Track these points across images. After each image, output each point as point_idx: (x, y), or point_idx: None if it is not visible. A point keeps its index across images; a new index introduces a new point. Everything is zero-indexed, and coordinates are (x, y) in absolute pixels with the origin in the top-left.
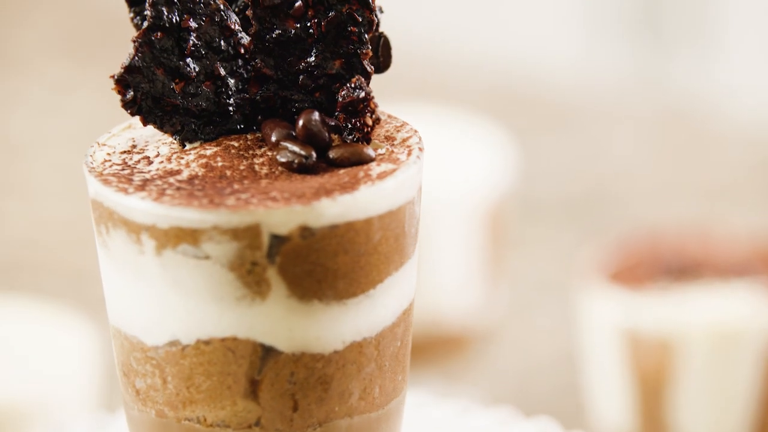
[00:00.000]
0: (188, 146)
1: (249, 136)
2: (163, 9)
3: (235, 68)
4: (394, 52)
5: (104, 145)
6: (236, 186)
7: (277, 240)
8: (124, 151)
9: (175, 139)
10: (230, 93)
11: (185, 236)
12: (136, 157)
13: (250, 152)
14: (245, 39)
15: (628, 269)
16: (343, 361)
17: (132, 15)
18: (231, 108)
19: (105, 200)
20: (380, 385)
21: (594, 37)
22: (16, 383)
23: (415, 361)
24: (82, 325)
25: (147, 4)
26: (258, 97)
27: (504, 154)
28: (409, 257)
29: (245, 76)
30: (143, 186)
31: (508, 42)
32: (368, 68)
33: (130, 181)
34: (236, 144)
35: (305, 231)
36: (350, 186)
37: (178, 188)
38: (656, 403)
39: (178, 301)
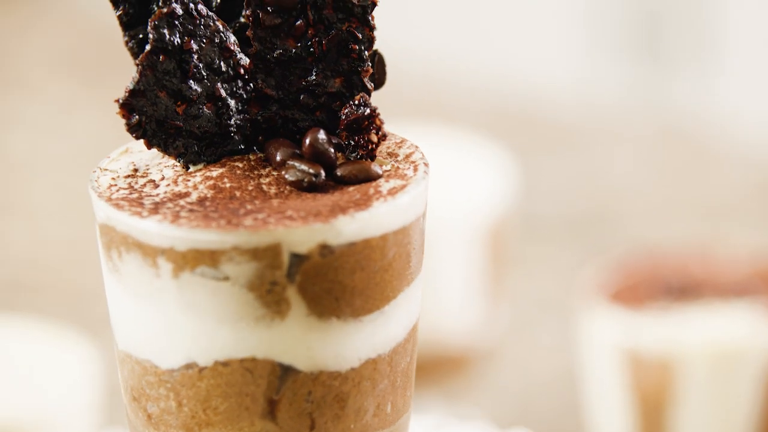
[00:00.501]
0: (192, 168)
1: (251, 157)
2: (165, 31)
3: (235, 89)
4: (396, 72)
5: (106, 170)
6: (249, 206)
7: (297, 259)
8: (128, 176)
9: (178, 162)
10: (231, 114)
11: (204, 258)
12: (141, 181)
13: (255, 172)
14: (244, 60)
15: (629, 289)
16: (359, 378)
17: (126, 39)
18: (232, 129)
19: (118, 224)
20: (392, 401)
21: (595, 57)
22: (17, 403)
23: (416, 381)
24: (83, 344)
25: (149, 27)
26: (259, 117)
27: (505, 173)
28: (418, 273)
29: (245, 96)
30: (156, 209)
31: (509, 61)
32: (368, 85)
33: (141, 204)
34: (240, 165)
35: (324, 249)
36: (364, 203)
37: (192, 210)
38: (657, 423)
39: (196, 324)
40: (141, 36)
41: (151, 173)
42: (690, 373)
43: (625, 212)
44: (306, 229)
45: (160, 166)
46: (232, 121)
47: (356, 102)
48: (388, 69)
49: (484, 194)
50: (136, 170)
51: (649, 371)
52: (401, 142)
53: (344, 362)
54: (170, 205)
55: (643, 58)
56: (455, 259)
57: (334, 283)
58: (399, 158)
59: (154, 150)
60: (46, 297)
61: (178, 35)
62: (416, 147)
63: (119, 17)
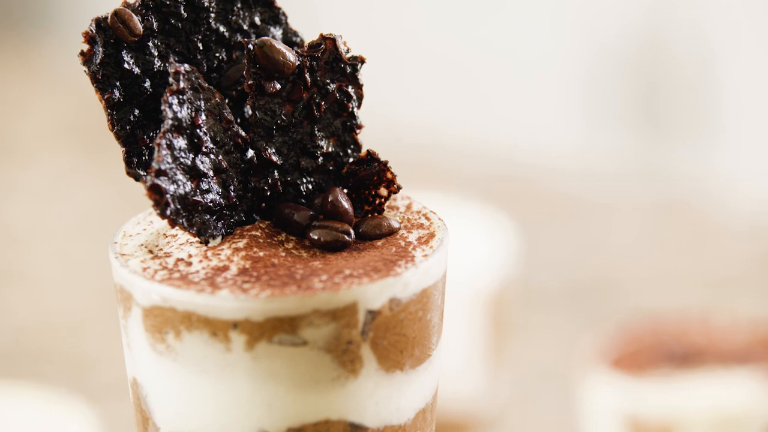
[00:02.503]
0: (211, 243)
1: (261, 225)
2: (177, 108)
3: (235, 160)
4: (395, 139)
5: (124, 255)
6: (301, 271)
7: (371, 315)
8: (152, 258)
9: (198, 238)
10: (235, 185)
11: (283, 325)
12: (169, 261)
13: (276, 239)
14: (241, 131)
15: (630, 356)
16: (413, 429)
17: (112, 123)
18: (236, 200)
19: (179, 304)
20: None
21: (595, 126)
22: None
23: None
24: (84, 412)
25: (163, 105)
26: (264, 186)
27: (506, 241)
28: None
29: (243, 166)
30: (214, 284)
31: (510, 130)
32: (360, 142)
33: (193, 282)
34: (257, 233)
35: (393, 302)
36: (406, 254)
37: (247, 281)
38: None
39: (270, 392)
40: (131, 117)
41: (172, 253)
42: None
43: (626, 280)
44: (379, 285)
45: (171, 245)
46: (236, 192)
47: (361, 158)
48: (389, 136)
49: (485, 262)
50: (151, 252)
51: None
52: (389, 195)
53: (403, 414)
54: (220, 279)
55: (643, 128)
56: (456, 327)
57: (399, 336)
58: (401, 210)
59: (149, 230)
60: (47, 365)
61: (187, 111)
62: (409, 197)
63: (107, 100)
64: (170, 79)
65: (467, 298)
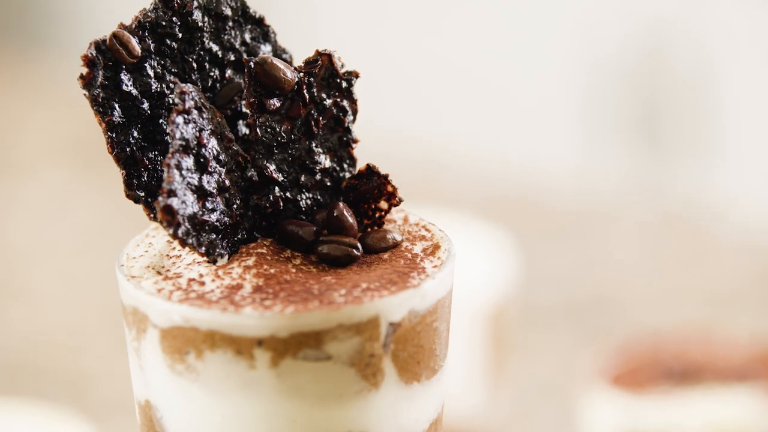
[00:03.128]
0: (219, 262)
1: (265, 242)
2: (183, 128)
3: (236, 178)
4: (394, 156)
5: (135, 277)
6: (316, 286)
7: (392, 328)
8: (164, 279)
9: (208, 259)
10: (238, 203)
11: (308, 341)
12: (182, 282)
13: (282, 255)
14: (240, 150)
15: (630, 373)
16: None
17: (112, 145)
18: (239, 218)
19: (203, 323)
20: None
21: (594, 143)
22: None
23: None
24: (84, 429)
25: (170, 126)
26: (266, 204)
27: (505, 258)
28: None
29: (244, 184)
30: (233, 302)
31: (509, 147)
32: (355, 156)
33: (214, 301)
34: (263, 251)
35: (412, 314)
36: (416, 266)
37: (266, 299)
38: None
39: (294, 408)
40: (131, 139)
41: (182, 273)
42: None
43: (625, 297)
44: (400, 297)
45: (178, 265)
46: (238, 210)
47: (360, 173)
48: (388, 153)
49: (484, 279)
50: (159, 273)
51: None
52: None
53: (419, 426)
54: (237, 297)
55: (642, 145)
56: (457, 343)
57: (417, 347)
58: (399, 223)
59: (151, 251)
60: (46, 381)
61: (193, 131)
62: (404, 210)
63: (107, 123)
64: (176, 99)
65: (467, 314)
